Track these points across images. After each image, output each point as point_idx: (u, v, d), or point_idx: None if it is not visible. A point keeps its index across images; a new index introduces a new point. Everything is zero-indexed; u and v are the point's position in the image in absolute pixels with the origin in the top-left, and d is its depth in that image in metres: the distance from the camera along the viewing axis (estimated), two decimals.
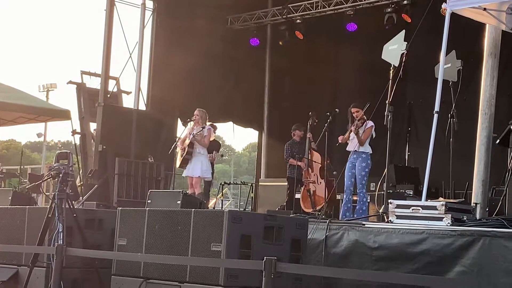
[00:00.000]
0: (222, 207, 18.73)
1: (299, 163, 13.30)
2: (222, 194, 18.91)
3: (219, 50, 16.94)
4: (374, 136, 11.36)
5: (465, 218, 8.45)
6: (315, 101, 17.94)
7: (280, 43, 17.75)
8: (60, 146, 59.63)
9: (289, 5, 17.18)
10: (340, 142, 11.49)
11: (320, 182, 12.86)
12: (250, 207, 16.18)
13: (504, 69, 11.51)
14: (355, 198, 11.64)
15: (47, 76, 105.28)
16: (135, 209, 8.33)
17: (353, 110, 11.45)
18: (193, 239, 7.38)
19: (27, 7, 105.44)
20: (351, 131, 11.29)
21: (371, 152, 11.31)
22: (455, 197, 11.70)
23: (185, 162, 12.50)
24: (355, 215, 11.07)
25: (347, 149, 11.46)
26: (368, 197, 12.11)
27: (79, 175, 15.24)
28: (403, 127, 16.36)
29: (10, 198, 10.71)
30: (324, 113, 12.68)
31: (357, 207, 11.24)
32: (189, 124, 12.82)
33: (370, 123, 11.28)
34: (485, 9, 9.79)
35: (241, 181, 17.92)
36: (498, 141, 9.63)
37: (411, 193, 12.44)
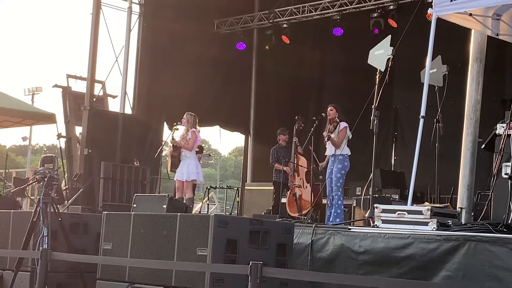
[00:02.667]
0: (208, 211, 18.70)
1: (285, 168, 13.31)
2: (208, 198, 18.87)
3: (205, 54, 16.93)
4: (350, 136, 11.25)
5: (451, 223, 8.48)
6: (302, 105, 17.97)
7: (267, 47, 17.78)
8: (45, 150, 59.32)
9: (275, 10, 17.21)
10: (325, 138, 11.31)
11: (306, 187, 12.86)
12: (236, 211, 16.16)
13: (490, 74, 11.57)
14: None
15: (33, 79, 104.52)
16: (121, 213, 8.30)
17: (328, 108, 11.38)
18: (178, 244, 7.36)
19: (12, 10, 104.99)
20: (328, 136, 11.19)
21: (349, 153, 11.21)
22: (441, 201, 11.75)
23: (173, 166, 12.50)
24: (331, 219, 11.00)
25: (325, 153, 11.40)
26: (354, 201, 12.11)
27: (64, 179, 15.19)
28: (389, 131, 16.42)
29: None
30: (311, 117, 12.69)
31: (332, 210, 11.15)
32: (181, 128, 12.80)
33: (343, 124, 11.17)
34: (470, 14, 9.83)
35: (227, 185, 17.94)
36: (483, 146, 9.68)
37: (397, 197, 12.47)
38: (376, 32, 15.34)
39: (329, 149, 11.26)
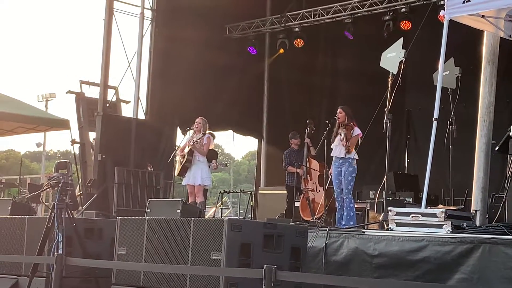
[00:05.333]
0: (221, 216, 18.71)
1: (298, 170, 13.30)
2: (222, 202, 18.88)
3: (217, 59, 16.94)
4: (359, 143, 11.22)
5: (465, 225, 8.45)
6: (314, 109, 17.98)
7: (281, 50, 17.75)
8: (59, 155, 59.60)
9: (287, 14, 17.21)
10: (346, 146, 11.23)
11: (319, 190, 12.85)
12: (250, 215, 16.17)
13: (503, 76, 11.53)
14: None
15: (46, 86, 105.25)
16: (135, 218, 8.32)
17: (338, 110, 11.34)
18: (192, 248, 7.37)
19: (26, 17, 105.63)
20: (337, 134, 11.12)
21: (357, 157, 11.19)
22: (455, 204, 11.71)
23: (184, 170, 12.47)
24: (343, 222, 10.96)
25: (331, 154, 11.33)
26: (368, 205, 12.07)
27: (79, 185, 15.23)
28: (402, 134, 16.39)
29: (9, 208, 10.74)
30: (323, 120, 12.68)
31: (344, 214, 11.08)
32: (188, 133, 12.82)
33: (357, 131, 11.08)
34: (483, 16, 9.81)
35: (240, 190, 17.95)
36: (497, 148, 9.64)
37: (411, 200, 12.44)
38: (387, 36, 15.28)
39: (336, 151, 11.17)
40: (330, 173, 11.41)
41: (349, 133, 11.03)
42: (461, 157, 11.22)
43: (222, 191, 17.78)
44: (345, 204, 11.04)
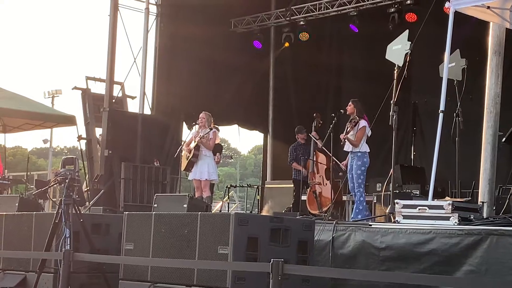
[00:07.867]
0: (228, 210, 18.72)
1: (303, 169, 13.31)
2: (228, 197, 18.89)
3: (223, 53, 16.93)
4: (370, 134, 11.22)
5: (472, 217, 8.43)
6: (320, 102, 17.96)
7: (287, 44, 17.72)
8: (66, 151, 59.70)
9: (292, 7, 17.18)
10: (342, 141, 11.31)
11: (326, 184, 12.85)
12: (257, 209, 16.17)
13: (509, 67, 11.49)
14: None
15: (52, 82, 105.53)
16: (142, 213, 8.32)
17: (348, 103, 11.35)
18: (199, 242, 7.37)
19: (32, 13, 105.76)
20: (345, 138, 11.14)
21: (368, 150, 11.16)
22: (462, 196, 11.69)
23: (191, 165, 12.46)
24: (351, 215, 10.97)
25: (344, 149, 11.37)
26: (375, 198, 12.07)
27: (86, 180, 15.26)
28: (408, 127, 16.35)
29: (17, 204, 10.72)
30: (329, 114, 12.67)
31: (354, 207, 11.11)
32: (194, 127, 12.82)
33: (362, 123, 11.11)
34: (488, 7, 9.78)
35: (247, 184, 17.96)
36: (504, 139, 9.62)
37: (418, 193, 12.41)
38: (393, 28, 15.25)
39: (347, 146, 11.22)
40: (345, 165, 11.47)
41: (351, 126, 11.05)
42: (468, 149, 11.19)
43: (229, 186, 17.79)
44: (355, 198, 11.08)
